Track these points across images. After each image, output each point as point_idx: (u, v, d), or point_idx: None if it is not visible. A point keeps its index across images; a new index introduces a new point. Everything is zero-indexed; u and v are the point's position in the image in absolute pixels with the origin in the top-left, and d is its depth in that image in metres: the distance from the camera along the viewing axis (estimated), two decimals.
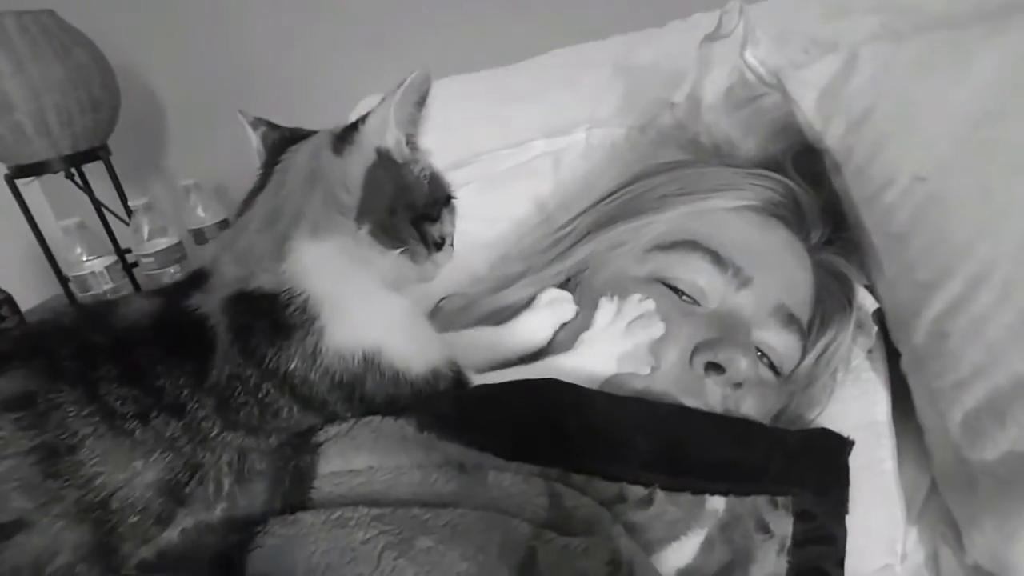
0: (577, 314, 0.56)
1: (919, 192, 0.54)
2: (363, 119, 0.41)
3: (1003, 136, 0.52)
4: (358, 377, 0.39)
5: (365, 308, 0.40)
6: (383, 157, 0.40)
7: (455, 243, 0.46)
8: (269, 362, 0.37)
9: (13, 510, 0.32)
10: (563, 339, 0.54)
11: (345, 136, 0.41)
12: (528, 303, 0.60)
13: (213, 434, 0.35)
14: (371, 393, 0.40)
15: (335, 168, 0.40)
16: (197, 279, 0.40)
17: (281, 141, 0.44)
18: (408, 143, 0.41)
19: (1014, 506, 0.48)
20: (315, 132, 0.44)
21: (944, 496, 0.57)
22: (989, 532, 0.50)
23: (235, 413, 0.36)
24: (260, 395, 0.37)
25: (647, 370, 0.50)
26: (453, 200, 0.45)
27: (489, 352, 0.52)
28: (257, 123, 0.45)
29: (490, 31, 1.24)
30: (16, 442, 0.32)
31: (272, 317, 0.37)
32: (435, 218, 0.42)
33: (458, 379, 0.44)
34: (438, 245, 0.43)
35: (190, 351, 0.37)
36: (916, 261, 0.55)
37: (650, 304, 0.51)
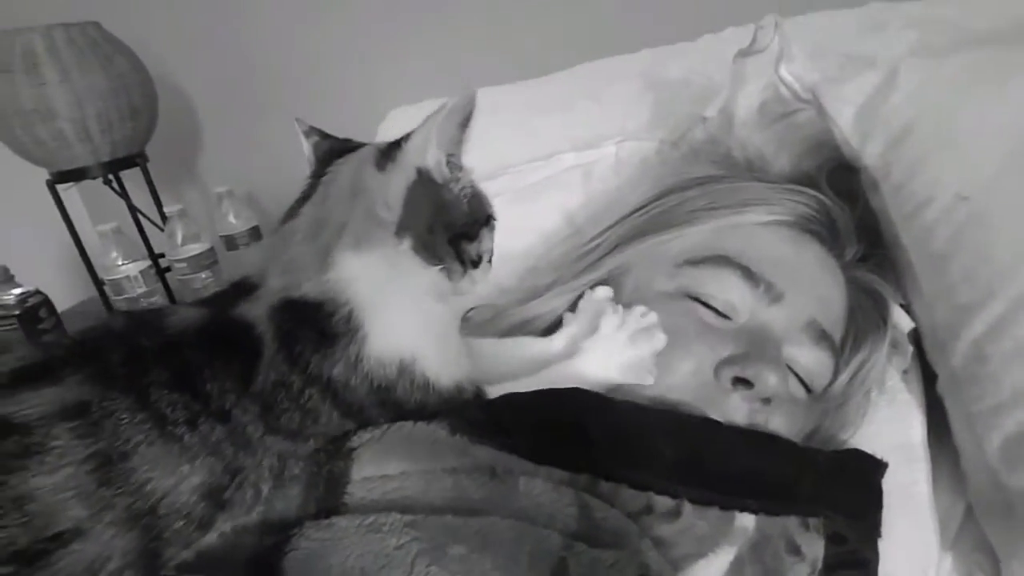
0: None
1: (961, 211, 0.53)
2: (407, 137, 0.42)
3: None
4: (392, 383, 0.40)
5: (405, 317, 0.41)
6: (423, 176, 0.41)
7: (493, 259, 0.46)
8: (313, 368, 0.38)
9: (70, 518, 0.32)
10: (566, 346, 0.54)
11: (388, 153, 0.42)
12: (559, 314, 0.60)
13: (256, 438, 0.36)
14: (402, 400, 0.40)
15: (377, 184, 0.41)
16: (243, 288, 0.41)
17: (330, 152, 0.45)
18: (449, 163, 0.42)
19: None
20: (363, 145, 0.46)
21: (981, 523, 0.56)
22: None
23: (277, 419, 0.37)
24: (302, 400, 0.37)
25: (650, 380, 0.50)
26: (493, 220, 0.45)
27: (532, 362, 0.52)
28: (311, 132, 0.47)
29: (520, 43, 1.25)
30: (73, 451, 0.33)
31: (318, 325, 0.38)
32: (473, 237, 0.43)
33: (478, 395, 0.45)
34: (475, 263, 0.43)
35: (237, 357, 0.37)
36: (956, 282, 0.54)
37: (653, 317, 0.51)
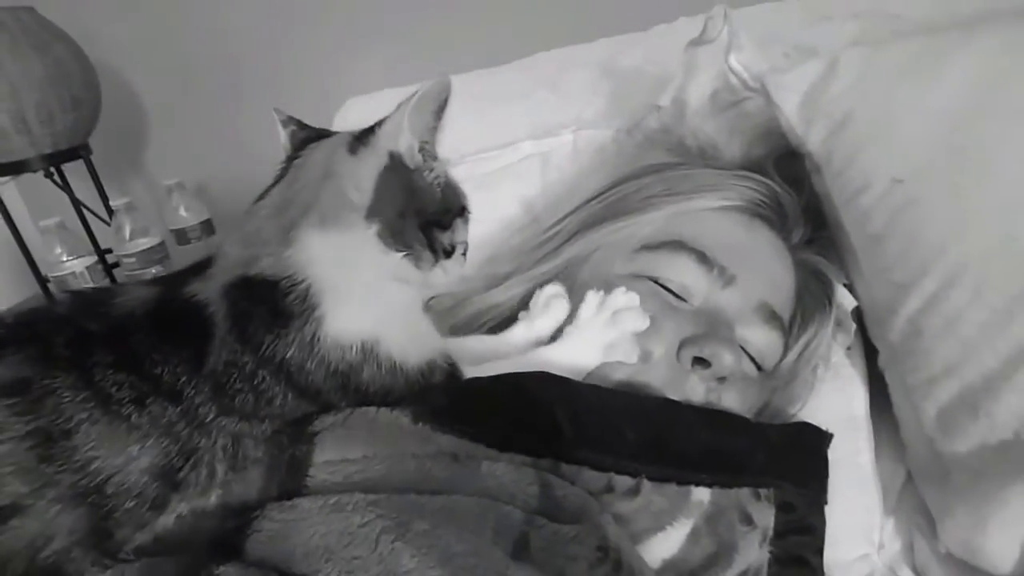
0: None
1: (896, 195, 0.56)
2: (380, 122, 0.42)
3: (975, 140, 0.54)
4: (354, 367, 0.39)
5: (367, 299, 0.41)
6: (395, 161, 0.41)
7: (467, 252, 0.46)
8: (266, 349, 0.37)
9: (8, 494, 0.32)
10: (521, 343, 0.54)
11: (362, 138, 0.42)
12: (518, 302, 0.61)
13: (209, 419, 0.36)
14: (366, 383, 0.40)
15: (348, 167, 0.41)
16: (199, 266, 0.41)
17: (305, 139, 0.45)
18: (422, 150, 0.42)
19: (984, 496, 0.49)
20: (338, 133, 0.46)
21: (919, 487, 0.59)
22: (961, 521, 0.51)
23: (230, 399, 0.36)
24: (256, 382, 0.37)
25: (633, 359, 0.51)
26: (468, 212, 0.45)
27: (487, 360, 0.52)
28: (288, 122, 0.46)
29: (477, 32, 1.25)
30: (11, 427, 0.32)
31: (272, 304, 0.38)
32: (446, 226, 0.43)
33: (452, 372, 0.45)
34: (447, 253, 0.43)
35: (188, 337, 0.37)
36: (892, 261, 0.57)
37: (635, 296, 0.52)
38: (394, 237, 0.41)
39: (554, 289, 0.57)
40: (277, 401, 0.38)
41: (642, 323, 0.51)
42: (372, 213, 0.40)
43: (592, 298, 0.53)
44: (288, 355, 0.38)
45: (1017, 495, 0.47)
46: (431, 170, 0.42)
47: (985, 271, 0.51)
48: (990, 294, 0.51)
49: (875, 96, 0.59)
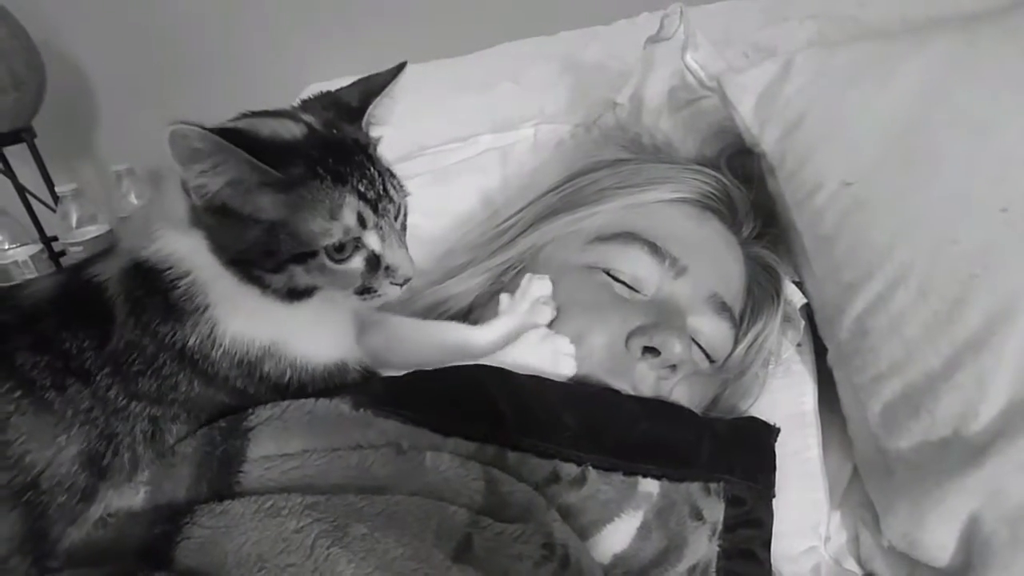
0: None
1: (845, 197, 0.57)
2: None
3: (921, 145, 0.55)
4: (259, 359, 0.38)
5: (252, 305, 0.38)
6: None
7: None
8: (166, 338, 0.36)
9: None
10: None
11: None
12: (475, 295, 0.61)
13: (121, 404, 0.35)
14: (271, 373, 0.39)
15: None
16: (106, 249, 0.40)
17: None
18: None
19: (924, 491, 0.51)
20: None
21: (864, 482, 0.60)
22: (902, 515, 0.53)
23: (133, 381, 0.36)
24: (156, 365, 0.36)
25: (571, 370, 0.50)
26: (313, 258, 0.37)
27: (454, 349, 0.51)
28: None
29: (440, 21, 1.23)
30: None
31: (164, 294, 0.37)
32: (275, 268, 0.37)
33: (366, 375, 0.44)
34: (295, 293, 0.38)
35: (92, 317, 0.36)
36: (841, 262, 0.58)
37: (572, 348, 0.51)
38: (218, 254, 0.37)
39: (542, 287, 0.54)
40: (182, 387, 0.37)
41: (571, 371, 0.50)
42: (193, 223, 0.37)
43: (539, 330, 0.51)
44: (190, 344, 0.37)
45: (954, 491, 0.49)
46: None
47: (928, 273, 0.52)
48: (932, 296, 0.52)
49: (828, 98, 0.60)
